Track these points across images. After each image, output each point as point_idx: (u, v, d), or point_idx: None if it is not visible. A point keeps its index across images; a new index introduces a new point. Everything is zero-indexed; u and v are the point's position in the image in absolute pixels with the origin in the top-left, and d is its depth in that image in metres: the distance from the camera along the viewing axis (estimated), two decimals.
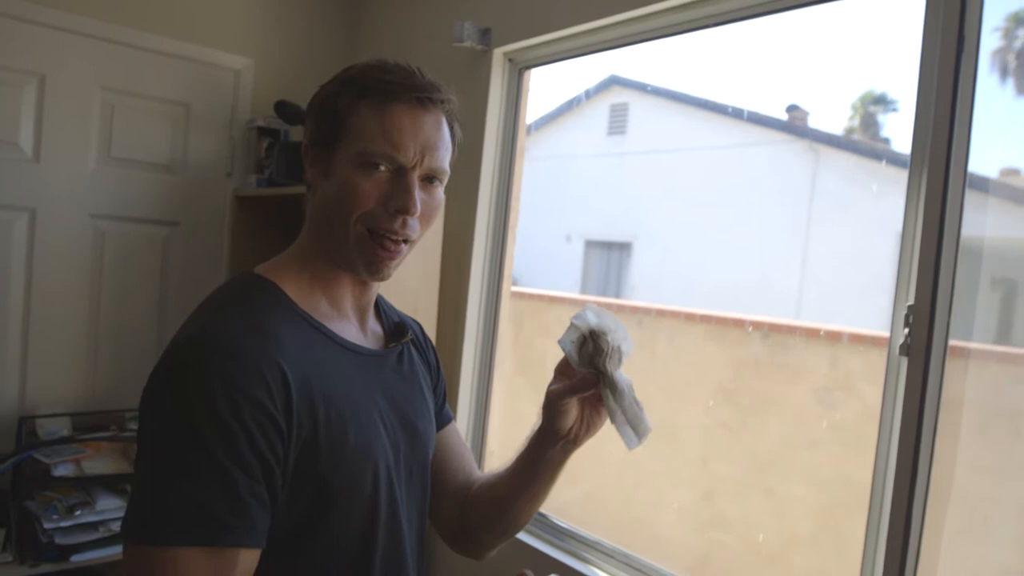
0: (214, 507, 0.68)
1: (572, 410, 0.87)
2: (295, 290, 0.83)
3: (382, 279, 0.85)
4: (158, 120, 2.40)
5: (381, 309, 0.97)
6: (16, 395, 2.20)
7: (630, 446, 0.85)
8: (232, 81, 2.49)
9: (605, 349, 0.84)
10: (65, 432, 2.11)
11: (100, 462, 2.02)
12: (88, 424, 2.21)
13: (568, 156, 6.07)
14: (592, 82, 5.52)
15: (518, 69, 2.16)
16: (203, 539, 0.67)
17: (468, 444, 2.20)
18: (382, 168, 0.80)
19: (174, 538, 0.66)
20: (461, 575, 2.03)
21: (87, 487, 2.01)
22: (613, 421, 0.85)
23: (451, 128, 0.87)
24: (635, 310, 3.70)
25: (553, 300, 4.00)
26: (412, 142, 0.80)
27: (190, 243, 2.48)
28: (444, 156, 0.84)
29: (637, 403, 0.85)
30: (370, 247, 0.81)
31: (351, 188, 0.79)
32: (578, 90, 5.40)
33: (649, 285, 5.09)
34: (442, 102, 0.84)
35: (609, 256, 5.87)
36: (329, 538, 0.78)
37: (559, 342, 0.86)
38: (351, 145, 0.80)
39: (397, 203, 0.80)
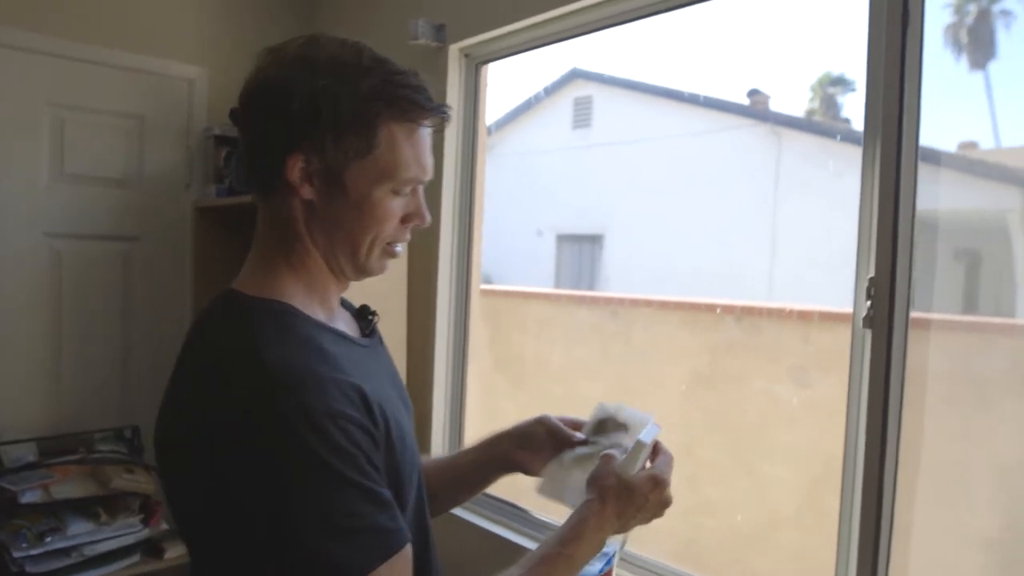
0: (376, 521, 0.70)
1: (546, 447, 0.96)
2: (298, 301, 0.81)
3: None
4: (111, 134, 2.35)
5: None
6: None
7: (541, 493, 0.93)
8: (186, 90, 2.45)
9: (621, 429, 0.91)
10: (31, 457, 2.06)
11: (69, 486, 1.97)
12: (55, 448, 2.16)
13: (535, 152, 6.07)
14: (554, 76, 5.53)
15: (475, 64, 2.14)
16: (386, 553, 0.69)
17: (444, 444, 2.19)
18: (408, 189, 0.82)
19: (366, 565, 0.68)
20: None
21: (57, 512, 1.97)
22: (558, 472, 0.92)
23: None
24: (609, 301, 3.71)
25: (527, 296, 4.00)
26: (431, 161, 0.83)
27: (152, 257, 2.43)
28: None
29: (581, 491, 0.87)
30: (385, 258, 0.84)
31: (381, 211, 0.80)
32: (540, 85, 5.41)
33: (622, 276, 5.12)
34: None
35: (581, 249, 5.89)
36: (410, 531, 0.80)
37: (602, 403, 0.95)
38: (380, 166, 0.78)
39: (415, 218, 0.83)
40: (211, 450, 0.70)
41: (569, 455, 0.91)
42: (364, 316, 0.95)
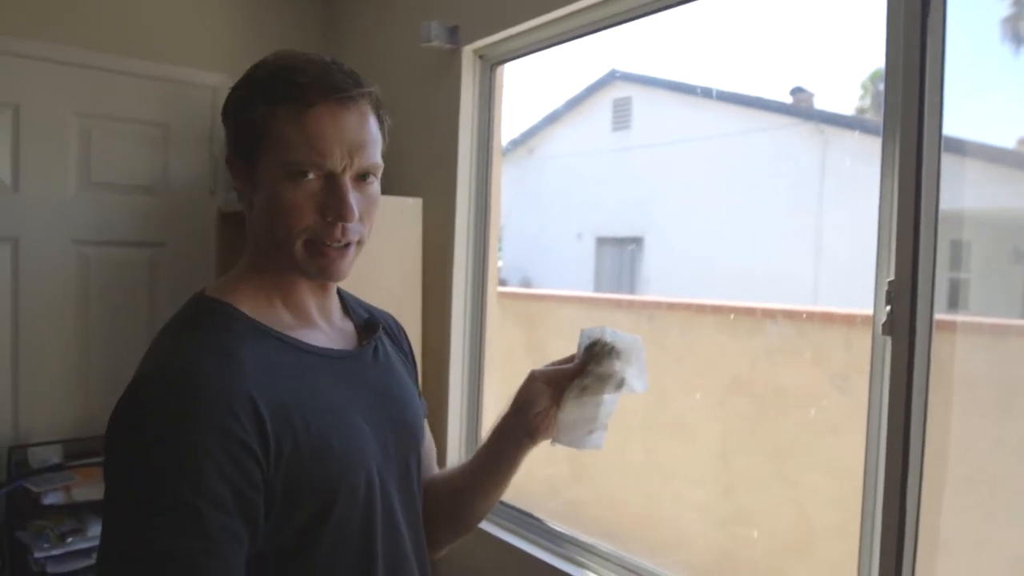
0: (182, 549, 0.65)
1: (544, 398, 0.89)
2: (252, 306, 0.80)
3: (339, 280, 0.83)
4: (137, 142, 2.40)
5: (348, 307, 0.94)
6: (9, 425, 2.20)
7: (557, 441, 0.87)
8: (210, 98, 2.48)
9: (614, 354, 0.85)
10: (56, 459, 2.11)
11: (90, 488, 2.01)
12: (80, 450, 2.20)
13: (574, 154, 6.02)
14: (592, 79, 5.46)
15: (489, 65, 2.11)
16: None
17: (460, 449, 2.15)
18: (311, 176, 0.76)
19: None
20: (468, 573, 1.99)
21: (79, 514, 2.00)
22: (562, 417, 0.86)
23: (378, 118, 0.82)
24: (646, 305, 3.63)
25: (564, 300, 3.94)
26: (338, 146, 0.76)
27: (177, 263, 2.47)
28: (374, 151, 0.80)
29: (602, 422, 0.85)
30: (316, 256, 0.79)
31: (283, 202, 0.76)
32: (578, 88, 5.35)
33: (663, 278, 5.02)
34: (363, 96, 0.79)
35: (621, 252, 5.80)
36: (328, 548, 0.77)
37: (585, 329, 0.88)
38: (274, 155, 0.76)
39: (334, 212, 0.77)
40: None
41: (570, 397, 0.86)
42: (369, 328, 0.92)
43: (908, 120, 1.21)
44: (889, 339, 1.23)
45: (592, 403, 0.85)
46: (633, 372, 0.85)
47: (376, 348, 0.90)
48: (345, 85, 0.77)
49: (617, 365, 0.85)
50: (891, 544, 1.21)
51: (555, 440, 0.88)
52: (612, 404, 0.86)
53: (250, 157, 0.78)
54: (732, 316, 2.82)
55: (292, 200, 0.76)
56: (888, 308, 1.23)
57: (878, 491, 1.25)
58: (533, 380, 0.91)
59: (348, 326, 0.90)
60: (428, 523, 0.94)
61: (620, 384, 0.85)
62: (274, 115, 0.76)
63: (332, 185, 0.77)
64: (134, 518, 0.66)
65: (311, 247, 0.78)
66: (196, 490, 0.66)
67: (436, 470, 1.02)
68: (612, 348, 0.85)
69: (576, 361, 0.89)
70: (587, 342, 0.87)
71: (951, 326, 1.27)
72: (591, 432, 0.86)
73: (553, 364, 0.92)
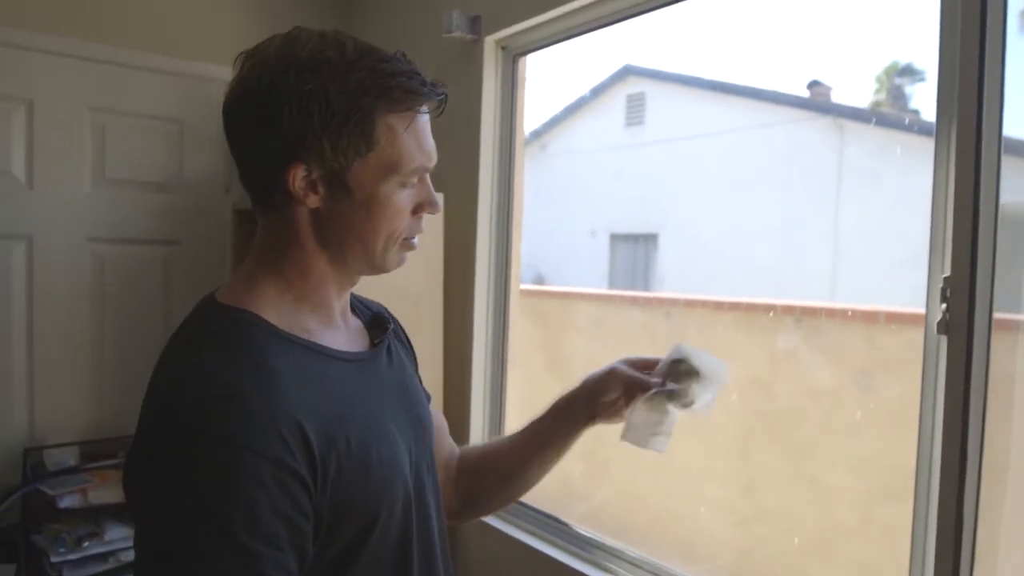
0: None
1: (617, 392, 0.95)
2: (275, 312, 0.76)
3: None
4: (151, 138, 2.36)
5: (353, 303, 0.92)
6: (25, 426, 2.17)
7: (624, 438, 0.92)
8: (224, 93, 2.43)
9: (694, 377, 0.91)
10: (72, 462, 2.07)
11: (107, 491, 1.97)
12: (96, 452, 2.17)
13: (588, 151, 5.96)
14: (606, 74, 5.41)
15: (512, 56, 2.06)
16: None
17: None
18: (415, 179, 0.78)
19: None
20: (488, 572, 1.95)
21: (96, 517, 1.96)
22: (631, 416, 0.92)
23: None
24: (662, 302, 3.58)
25: (578, 297, 3.90)
26: (433, 145, 0.79)
27: (192, 261, 2.43)
28: None
29: (667, 430, 0.91)
30: (402, 252, 0.81)
31: (393, 209, 0.76)
32: (592, 84, 5.29)
33: (678, 275, 4.97)
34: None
35: (635, 249, 5.75)
36: (368, 561, 0.76)
37: (680, 344, 0.94)
38: (381, 161, 0.74)
39: (428, 207, 0.80)
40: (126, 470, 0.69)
41: (641, 399, 0.92)
42: (377, 325, 0.89)
43: (966, 114, 1.15)
44: (944, 338, 1.17)
45: (659, 411, 0.91)
46: (706, 398, 0.91)
47: (389, 346, 0.89)
48: (436, 87, 0.77)
49: (695, 388, 0.90)
50: (948, 548, 1.16)
51: (622, 437, 0.93)
52: (677, 415, 0.92)
53: (343, 160, 0.73)
54: (754, 313, 2.77)
55: (401, 206, 0.77)
56: (943, 306, 1.17)
57: (931, 494, 1.20)
58: (614, 375, 0.96)
59: (357, 323, 0.88)
60: (477, 493, 1.02)
61: (689, 405, 0.91)
62: (388, 122, 0.74)
63: (423, 181, 0.79)
64: (185, 555, 0.62)
65: (404, 245, 0.80)
66: (251, 529, 0.63)
67: (454, 444, 1.06)
68: (697, 372, 0.91)
69: (658, 372, 0.94)
70: (677, 356, 0.93)
71: (1013, 325, 1.21)
72: (655, 435, 0.91)
73: (636, 359, 0.98)
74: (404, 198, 0.77)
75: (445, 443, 1.03)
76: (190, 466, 0.63)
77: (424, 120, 0.76)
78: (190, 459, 0.63)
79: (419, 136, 0.75)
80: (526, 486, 1.03)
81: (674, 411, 0.91)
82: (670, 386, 0.91)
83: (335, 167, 0.72)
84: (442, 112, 0.78)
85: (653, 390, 0.91)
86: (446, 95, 0.77)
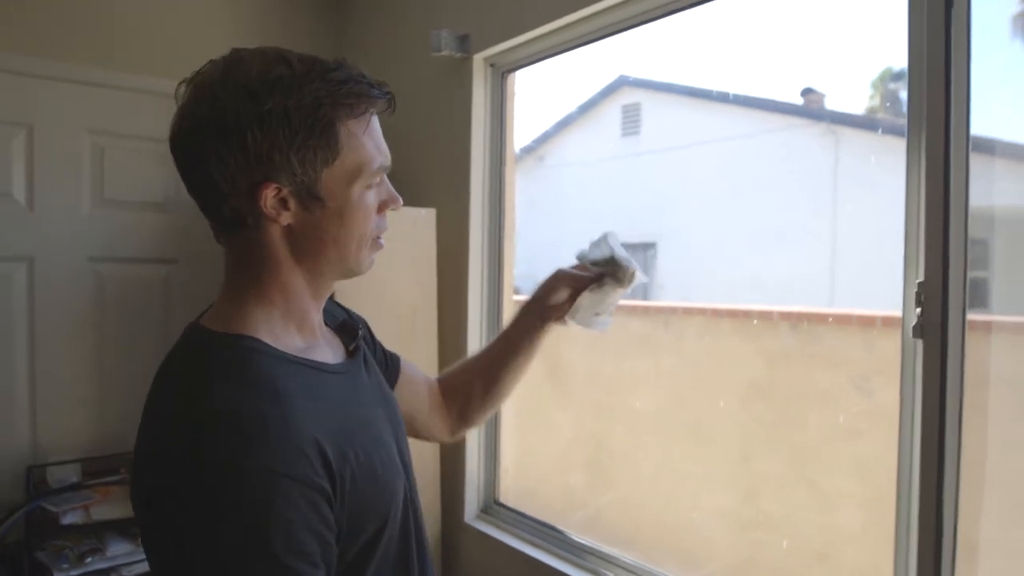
0: None
1: (563, 294, 1.08)
2: (271, 335, 0.76)
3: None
4: (149, 159, 2.40)
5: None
6: (27, 444, 2.20)
7: (571, 318, 1.06)
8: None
9: (624, 265, 1.04)
10: (75, 478, 2.10)
11: (109, 507, 2.00)
12: (98, 469, 2.20)
13: (585, 161, 5.99)
14: (601, 85, 5.45)
15: (500, 73, 2.09)
16: None
17: (481, 463, 2.13)
18: (378, 179, 0.80)
19: None
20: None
21: (98, 533, 1.99)
22: (579, 301, 1.05)
23: None
24: (660, 310, 3.60)
25: None
26: (385, 144, 0.81)
27: (191, 279, 2.46)
28: None
29: (608, 309, 1.06)
30: (373, 252, 0.83)
31: (363, 210, 0.78)
32: (587, 96, 5.32)
33: (676, 284, 4.98)
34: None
35: (634, 257, 5.77)
36: (382, 553, 0.79)
37: (608, 233, 1.08)
38: (347, 167, 0.76)
39: (391, 203, 0.82)
40: (148, 504, 0.68)
41: (588, 289, 1.06)
42: (347, 331, 0.90)
43: (934, 118, 1.18)
44: (920, 342, 1.20)
45: (601, 294, 1.05)
46: (639, 276, 1.04)
47: (362, 351, 0.90)
48: (383, 87, 0.79)
49: (627, 269, 1.04)
50: (929, 550, 1.18)
51: (568, 317, 1.07)
52: (616, 298, 1.06)
53: (312, 173, 0.74)
54: (754, 321, 2.79)
55: (370, 206, 0.79)
56: (918, 310, 1.20)
57: (912, 496, 1.22)
58: (558, 278, 1.08)
59: (329, 332, 0.88)
60: (468, 405, 1.12)
61: (630, 280, 1.04)
62: (348, 128, 0.75)
63: (382, 179, 0.81)
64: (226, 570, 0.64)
65: (374, 245, 0.82)
66: (289, 548, 0.65)
67: (432, 377, 1.15)
68: (618, 261, 1.05)
69: (592, 266, 1.07)
70: (605, 250, 1.06)
71: (985, 326, 1.23)
72: (597, 315, 1.06)
73: (574, 268, 1.10)
74: (371, 198, 0.79)
75: (422, 379, 1.12)
76: (235, 500, 0.64)
77: (376, 121, 0.79)
78: (232, 494, 0.64)
79: (375, 137, 0.79)
80: (507, 389, 1.13)
81: (613, 292, 1.04)
82: (611, 273, 1.04)
83: (305, 180, 0.73)
84: (393, 111, 0.80)
85: (596, 280, 1.05)
86: (393, 94, 0.79)
